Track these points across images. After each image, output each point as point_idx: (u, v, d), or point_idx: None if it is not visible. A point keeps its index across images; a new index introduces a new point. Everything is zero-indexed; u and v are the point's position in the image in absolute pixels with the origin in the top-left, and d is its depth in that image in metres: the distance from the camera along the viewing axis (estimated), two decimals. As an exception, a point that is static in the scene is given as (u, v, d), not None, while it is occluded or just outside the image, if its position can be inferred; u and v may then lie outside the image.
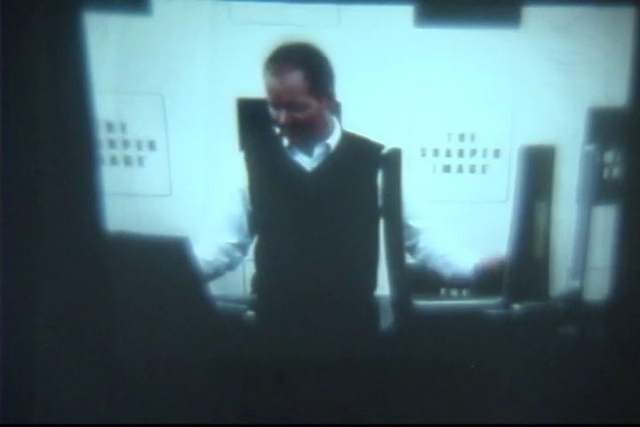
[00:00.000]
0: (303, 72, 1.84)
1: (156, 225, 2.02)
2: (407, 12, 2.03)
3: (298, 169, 1.99)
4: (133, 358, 2.00)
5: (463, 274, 2.06)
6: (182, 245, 1.97)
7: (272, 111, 1.90)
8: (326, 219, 2.05)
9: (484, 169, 2.17)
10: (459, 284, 2.11)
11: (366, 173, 1.99)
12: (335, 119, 1.99)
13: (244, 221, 2.03)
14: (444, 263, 2.07)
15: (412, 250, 2.07)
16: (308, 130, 1.93)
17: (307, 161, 2.00)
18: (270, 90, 1.87)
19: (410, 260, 2.14)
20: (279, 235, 2.05)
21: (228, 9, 2.07)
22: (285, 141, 1.99)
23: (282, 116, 1.86)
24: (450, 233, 2.10)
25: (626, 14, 1.97)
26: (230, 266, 2.05)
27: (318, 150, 1.98)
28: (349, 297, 2.05)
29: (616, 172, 2.07)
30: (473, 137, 2.14)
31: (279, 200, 2.04)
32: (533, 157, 2.08)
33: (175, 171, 2.17)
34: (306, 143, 1.97)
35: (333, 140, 1.98)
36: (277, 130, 1.98)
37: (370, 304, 2.03)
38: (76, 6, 1.92)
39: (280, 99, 1.86)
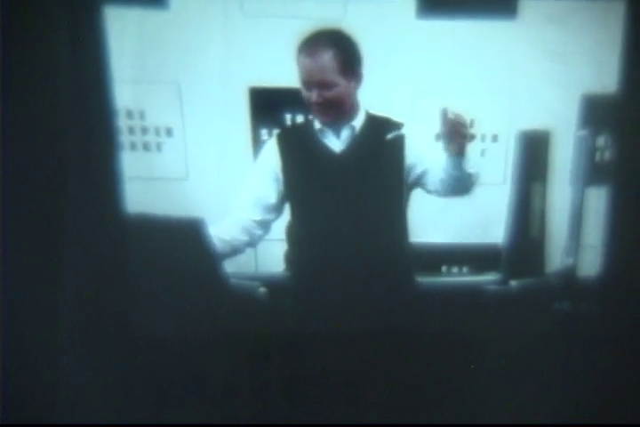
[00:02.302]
0: (333, 52, 1.96)
1: (173, 207, 2.10)
2: (409, 4, 2.06)
3: (327, 151, 2.09)
4: (151, 333, 2.04)
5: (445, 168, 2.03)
6: (198, 225, 2.05)
7: (305, 93, 2.00)
8: (354, 197, 2.11)
9: (482, 153, 2.20)
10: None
11: (388, 151, 2.08)
12: (360, 101, 2.07)
13: (271, 199, 2.11)
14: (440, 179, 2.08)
15: (424, 186, 2.10)
16: (336, 109, 2.03)
17: (335, 143, 2.09)
18: (303, 70, 1.98)
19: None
20: (310, 213, 2.13)
21: (240, 3, 2.09)
22: (316, 125, 2.09)
23: (313, 95, 1.97)
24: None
25: (616, 6, 2.02)
26: (250, 243, 2.12)
27: (345, 133, 2.08)
28: (378, 271, 2.10)
29: (607, 155, 2.12)
30: (472, 123, 2.14)
31: (311, 180, 2.13)
32: (529, 142, 2.15)
33: (191, 156, 2.19)
34: (335, 123, 2.06)
35: (358, 122, 2.08)
36: (311, 110, 2.06)
37: (398, 277, 2.10)
38: (98, 1, 1.96)
39: (312, 77, 1.97)
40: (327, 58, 1.99)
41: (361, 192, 2.12)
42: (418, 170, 2.09)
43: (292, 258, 2.15)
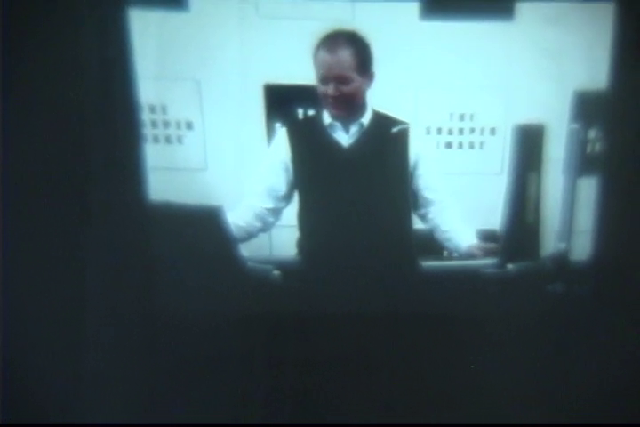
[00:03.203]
0: (352, 50, 2.05)
1: (193, 195, 2.15)
2: (413, 7, 2.14)
3: (336, 145, 2.17)
4: (173, 313, 2.07)
5: (458, 250, 2.21)
6: (216, 212, 2.09)
7: (321, 87, 2.08)
8: (361, 188, 2.17)
9: (481, 145, 2.26)
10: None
11: (393, 146, 2.16)
12: (368, 100, 2.15)
13: (282, 189, 2.18)
14: (445, 238, 2.22)
15: (424, 218, 2.21)
16: (349, 103, 2.11)
17: (344, 138, 2.17)
18: (322, 65, 2.06)
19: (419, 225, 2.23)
20: (320, 203, 2.20)
21: (255, 5, 2.14)
22: (326, 120, 2.16)
23: (330, 88, 2.06)
24: (457, 210, 2.22)
25: (606, 8, 2.05)
26: (263, 229, 2.20)
27: (354, 128, 2.16)
28: (384, 256, 2.17)
29: (598, 147, 2.15)
30: (472, 117, 2.23)
31: (320, 172, 2.19)
32: (525, 135, 2.17)
33: (210, 148, 2.24)
34: (345, 118, 2.14)
35: (366, 119, 2.16)
36: (324, 104, 2.13)
37: (390, 263, 2.16)
38: (122, 3, 2.01)
39: (330, 72, 2.06)
40: (346, 55, 2.07)
41: (366, 184, 2.17)
42: (429, 214, 2.19)
43: (303, 245, 2.22)
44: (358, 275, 2.14)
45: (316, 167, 2.19)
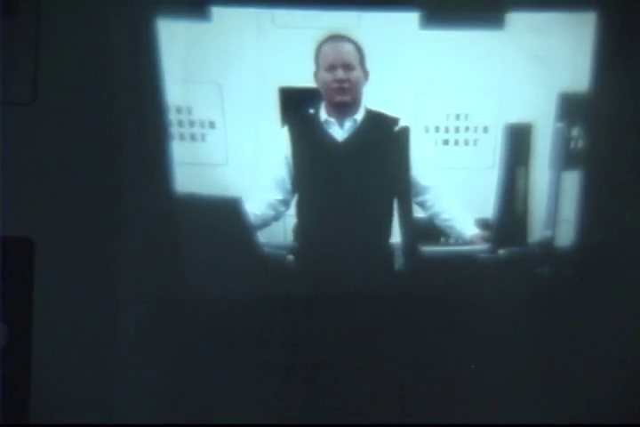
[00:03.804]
0: (353, 45, 2.21)
1: (215, 188, 2.21)
2: (413, 17, 2.20)
3: (331, 139, 2.28)
4: (197, 294, 2.18)
5: (461, 238, 2.29)
6: (236, 203, 2.21)
7: (327, 76, 2.21)
8: (353, 179, 2.26)
9: (475, 142, 2.28)
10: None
11: (385, 141, 2.27)
12: (363, 98, 2.25)
13: (287, 181, 2.27)
14: (447, 225, 2.30)
15: (423, 206, 2.28)
16: (351, 91, 2.23)
17: (339, 133, 2.28)
18: (330, 54, 2.21)
19: (419, 213, 2.29)
20: (315, 192, 2.28)
21: (271, 16, 2.21)
22: (322, 117, 2.26)
23: (339, 73, 2.20)
24: (453, 199, 2.28)
25: (588, 18, 2.18)
26: (276, 218, 2.27)
27: (348, 124, 2.27)
28: (369, 243, 2.26)
29: (580, 144, 2.23)
30: (467, 116, 2.26)
31: (316, 164, 2.29)
32: (515, 133, 2.25)
33: (230, 145, 2.26)
34: (341, 114, 2.25)
35: (359, 116, 2.27)
36: (327, 94, 2.22)
37: (386, 249, 2.26)
38: (152, 15, 2.14)
39: (338, 59, 2.20)
40: (350, 47, 2.23)
41: (359, 175, 2.26)
42: (427, 202, 2.26)
43: (299, 231, 2.28)
44: (364, 260, 2.22)
45: (313, 160, 2.28)
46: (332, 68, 2.21)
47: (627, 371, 2.18)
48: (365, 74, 2.24)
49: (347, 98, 2.25)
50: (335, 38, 2.22)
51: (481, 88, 2.27)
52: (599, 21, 2.17)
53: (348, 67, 2.21)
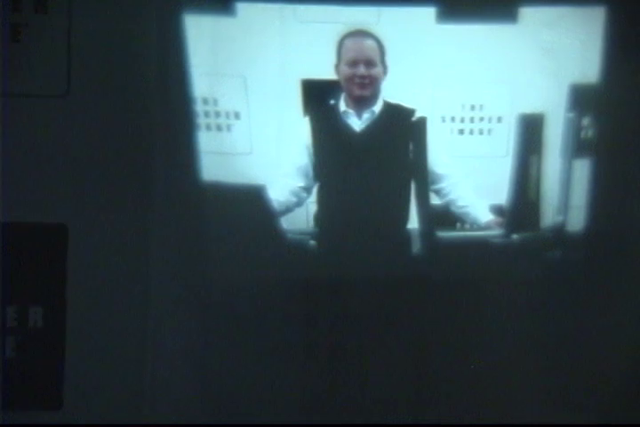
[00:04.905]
0: (374, 41, 2.25)
1: (240, 176, 2.24)
2: (430, 12, 2.23)
3: (349, 130, 2.34)
4: (224, 279, 2.21)
5: (476, 223, 2.37)
6: (260, 191, 2.24)
7: (348, 71, 2.25)
8: (371, 168, 2.31)
9: (489, 132, 2.34)
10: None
11: (401, 131, 2.31)
12: (382, 92, 2.31)
13: (309, 169, 2.34)
14: (463, 212, 2.37)
15: (438, 193, 2.35)
16: (372, 86, 2.28)
17: (357, 123, 2.34)
18: (352, 49, 2.23)
19: (435, 201, 2.35)
20: (335, 180, 2.34)
21: (293, 10, 2.24)
22: (342, 108, 2.32)
23: (361, 69, 2.23)
24: (469, 187, 2.34)
25: (598, 12, 2.21)
26: (298, 204, 2.33)
27: (366, 115, 2.33)
28: (388, 229, 2.32)
29: (590, 133, 2.26)
30: (481, 107, 2.32)
31: (335, 154, 2.35)
32: (527, 123, 2.28)
33: (255, 135, 2.32)
34: (364, 103, 2.30)
35: (377, 108, 2.33)
36: (347, 87, 2.27)
37: (404, 234, 2.32)
38: (180, 12, 2.16)
39: (360, 55, 2.23)
40: (372, 43, 2.26)
41: (377, 164, 2.30)
42: (443, 190, 2.33)
43: (319, 217, 2.33)
44: (382, 245, 2.25)
45: (332, 149, 2.33)
46: (354, 63, 2.26)
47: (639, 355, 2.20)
48: (385, 69, 2.29)
49: (366, 93, 2.30)
50: (358, 34, 2.26)
51: (495, 80, 2.31)
52: (609, 15, 2.20)
53: (369, 63, 2.26)
